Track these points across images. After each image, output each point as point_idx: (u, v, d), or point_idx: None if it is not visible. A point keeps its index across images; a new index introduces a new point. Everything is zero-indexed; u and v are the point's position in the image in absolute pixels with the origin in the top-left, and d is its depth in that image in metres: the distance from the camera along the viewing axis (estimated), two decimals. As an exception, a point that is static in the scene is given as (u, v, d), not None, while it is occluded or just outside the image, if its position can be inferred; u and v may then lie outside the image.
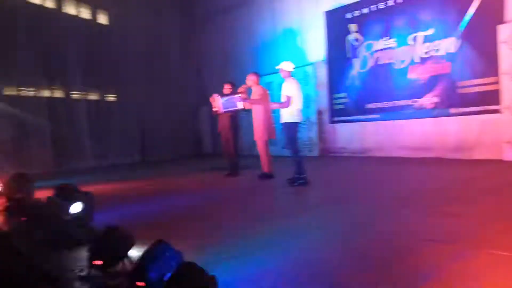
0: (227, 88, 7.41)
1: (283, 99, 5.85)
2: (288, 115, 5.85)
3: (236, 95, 6.80)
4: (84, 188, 4.39)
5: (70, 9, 12.19)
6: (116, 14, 13.09)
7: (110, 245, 2.70)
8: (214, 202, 5.27)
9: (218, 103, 7.03)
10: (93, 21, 12.72)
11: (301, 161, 5.95)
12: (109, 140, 12.53)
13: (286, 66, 5.96)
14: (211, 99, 7.30)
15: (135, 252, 2.68)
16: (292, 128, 5.88)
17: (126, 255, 2.69)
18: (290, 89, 5.81)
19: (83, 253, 2.78)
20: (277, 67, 6.07)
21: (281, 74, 6.02)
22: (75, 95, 12.26)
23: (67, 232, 3.35)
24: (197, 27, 14.77)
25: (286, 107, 5.81)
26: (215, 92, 7.32)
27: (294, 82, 5.93)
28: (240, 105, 6.75)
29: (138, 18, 13.35)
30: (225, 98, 6.99)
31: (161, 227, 3.90)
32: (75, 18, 12.26)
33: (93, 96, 12.77)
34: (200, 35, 14.75)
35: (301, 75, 10.18)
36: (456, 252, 2.65)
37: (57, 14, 11.84)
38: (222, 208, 4.83)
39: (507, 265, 2.37)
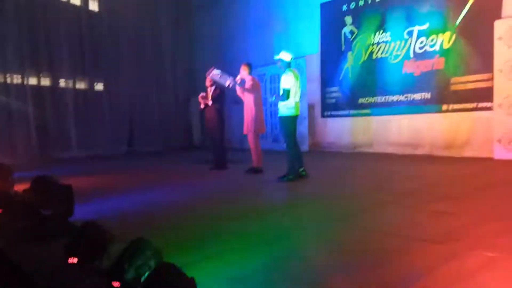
0: (209, 81, 7.35)
1: (281, 92, 5.69)
2: (285, 108, 5.68)
3: (231, 77, 6.62)
4: (66, 180, 4.24)
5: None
6: (107, 1, 12.78)
7: (87, 241, 2.56)
8: (197, 198, 5.12)
9: (212, 72, 6.80)
10: (83, 8, 12.41)
11: (297, 156, 5.82)
12: (96, 130, 12.29)
13: (285, 56, 5.76)
14: (199, 98, 7.34)
15: (113, 250, 2.54)
16: (289, 122, 5.72)
17: (103, 253, 2.55)
18: (288, 82, 5.63)
19: (59, 249, 2.63)
20: (276, 57, 5.88)
21: (279, 65, 5.83)
22: (63, 83, 11.99)
23: (43, 227, 3.19)
24: (190, 16, 14.54)
25: (284, 100, 5.62)
26: (205, 86, 7.33)
27: (293, 74, 5.72)
28: (227, 82, 6.57)
29: (129, 5, 13.08)
30: (219, 72, 6.78)
31: (141, 223, 3.76)
32: (65, 4, 11.95)
33: (81, 85, 12.50)
34: (193, 25, 14.54)
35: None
36: (447, 252, 2.57)
37: (46, 0, 11.52)
38: (205, 203, 4.68)
39: (499, 267, 2.29)
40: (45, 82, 11.70)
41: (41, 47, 11.31)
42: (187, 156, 11.20)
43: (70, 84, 12.08)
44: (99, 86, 12.91)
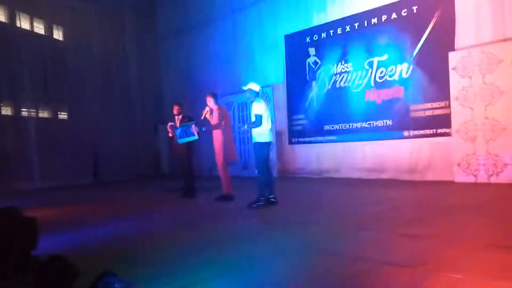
0: (176, 109, 7.56)
1: (253, 119, 5.80)
2: (259, 135, 5.79)
3: (191, 124, 6.79)
4: (30, 212, 4.10)
5: (24, 24, 11.69)
6: (72, 30, 12.69)
7: (53, 276, 2.48)
8: (168, 226, 5.05)
9: (175, 134, 7.02)
10: (47, 36, 12.24)
11: (268, 183, 5.88)
12: (59, 160, 11.92)
13: (253, 86, 5.93)
14: (168, 127, 7.46)
15: (79, 285, 2.46)
16: (263, 148, 5.82)
17: (70, 287, 2.47)
18: (260, 108, 5.76)
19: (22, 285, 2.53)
20: (244, 88, 6.02)
21: (247, 95, 5.97)
22: (24, 112, 11.66)
23: (7, 261, 3.05)
24: (156, 46, 14.61)
25: (258, 126, 5.73)
26: (171, 114, 7.41)
27: (263, 102, 5.91)
28: (195, 136, 6.77)
29: (95, 34, 13.03)
30: (179, 129, 6.94)
31: (109, 255, 3.67)
32: (28, 32, 11.77)
33: (44, 114, 12.19)
34: (160, 54, 14.59)
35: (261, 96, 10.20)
36: (417, 275, 2.64)
37: (9, 28, 11.31)
38: (175, 232, 4.62)
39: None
40: (6, 111, 11.35)
41: (2, 76, 11.02)
42: (155, 184, 11.02)
43: (33, 113, 11.75)
44: (62, 115, 12.62)
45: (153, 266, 3.23)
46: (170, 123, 7.51)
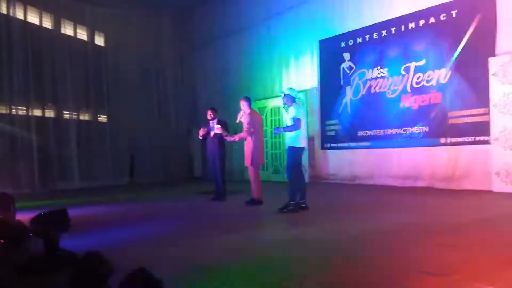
0: (210, 114, 7.64)
1: (289, 123, 5.82)
2: (294, 139, 5.80)
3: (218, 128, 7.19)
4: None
5: (67, 30, 12.27)
6: (113, 36, 13.19)
7: (89, 272, 2.58)
8: (198, 227, 5.15)
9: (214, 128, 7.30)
10: (89, 42, 12.78)
11: (300, 187, 5.88)
12: (98, 161, 12.41)
13: (291, 91, 5.98)
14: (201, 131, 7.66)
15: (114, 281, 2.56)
16: (296, 152, 5.84)
17: (105, 283, 2.57)
18: (298, 112, 5.79)
19: (61, 279, 2.65)
20: (282, 93, 6.07)
21: (284, 100, 6.01)
22: (66, 115, 12.19)
23: (45, 257, 3.21)
24: (193, 51, 14.91)
25: (296, 129, 5.72)
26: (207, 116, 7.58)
27: (300, 108, 5.94)
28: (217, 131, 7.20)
29: (134, 40, 13.47)
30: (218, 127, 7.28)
31: (140, 253, 3.78)
32: (71, 38, 12.33)
33: (84, 117, 12.70)
34: (196, 60, 14.88)
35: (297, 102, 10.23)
36: (447, 284, 2.59)
37: (53, 34, 11.90)
38: (205, 234, 4.71)
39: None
40: (49, 113, 11.91)
41: (46, 80, 11.58)
42: (189, 187, 11.23)
43: (74, 116, 12.28)
44: (102, 118, 13.11)
45: (182, 266, 3.32)
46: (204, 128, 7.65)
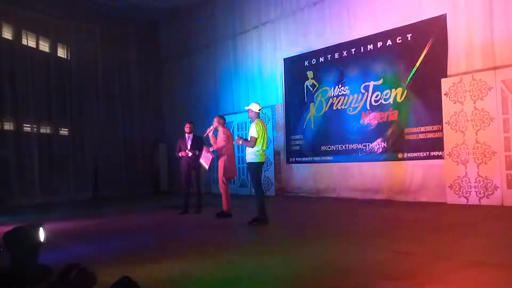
0: (188, 127, 7.85)
1: (249, 138, 6.09)
2: (252, 155, 6.07)
3: (207, 153, 7.17)
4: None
5: (30, 42, 12.00)
6: (76, 49, 13.01)
7: (71, 284, 2.64)
8: (171, 239, 5.23)
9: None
10: (52, 55, 12.56)
11: (261, 201, 6.10)
12: (60, 175, 12.08)
13: (254, 107, 6.23)
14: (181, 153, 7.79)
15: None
16: (255, 167, 6.10)
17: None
18: (255, 131, 6.04)
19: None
20: (246, 108, 6.32)
21: (249, 114, 6.28)
22: (27, 128, 11.86)
23: (22, 269, 3.22)
24: (160, 66, 14.94)
25: (251, 146, 6.03)
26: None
27: (261, 124, 6.19)
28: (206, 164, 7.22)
29: (99, 53, 13.35)
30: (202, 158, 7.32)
31: (116, 267, 3.84)
32: (34, 50, 12.07)
33: (46, 129, 12.39)
34: (163, 74, 14.92)
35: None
36: (407, 288, 2.85)
37: (15, 45, 11.62)
38: (179, 246, 4.81)
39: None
40: (9, 126, 11.55)
41: (6, 92, 11.26)
42: (156, 201, 11.17)
43: (35, 129, 11.95)
44: (63, 131, 12.83)
45: (158, 276, 3.42)
46: (181, 143, 7.83)
